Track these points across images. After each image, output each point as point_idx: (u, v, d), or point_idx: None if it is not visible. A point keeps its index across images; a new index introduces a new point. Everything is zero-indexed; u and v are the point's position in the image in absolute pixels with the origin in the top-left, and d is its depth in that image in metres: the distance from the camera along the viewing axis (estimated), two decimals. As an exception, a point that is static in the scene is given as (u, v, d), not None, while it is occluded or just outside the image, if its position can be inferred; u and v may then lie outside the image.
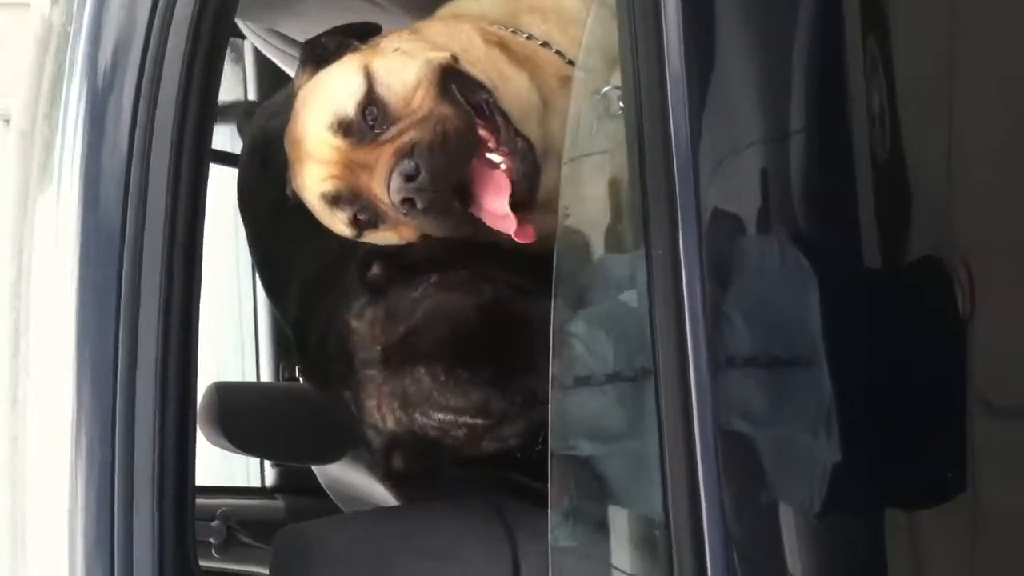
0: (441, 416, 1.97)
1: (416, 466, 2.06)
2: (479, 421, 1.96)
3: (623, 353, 1.47)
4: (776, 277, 1.40)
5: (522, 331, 1.91)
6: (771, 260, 1.39)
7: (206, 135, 1.71)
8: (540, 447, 2.16)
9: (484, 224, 1.82)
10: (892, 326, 1.41)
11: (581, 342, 1.49)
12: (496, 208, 1.78)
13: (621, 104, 1.50)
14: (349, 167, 1.84)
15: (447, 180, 1.77)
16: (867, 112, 1.40)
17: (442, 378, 1.94)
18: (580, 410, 1.53)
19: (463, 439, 2.00)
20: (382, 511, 2.24)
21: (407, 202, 1.76)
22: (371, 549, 1.82)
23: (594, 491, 1.52)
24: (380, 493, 2.54)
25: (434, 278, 1.98)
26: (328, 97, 1.88)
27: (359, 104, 1.84)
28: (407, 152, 1.76)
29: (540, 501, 2.08)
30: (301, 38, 3.07)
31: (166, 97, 1.67)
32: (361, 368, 2.00)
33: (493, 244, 1.98)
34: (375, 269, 2.01)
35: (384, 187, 1.78)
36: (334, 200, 1.88)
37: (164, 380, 1.62)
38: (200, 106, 1.69)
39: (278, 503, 3.19)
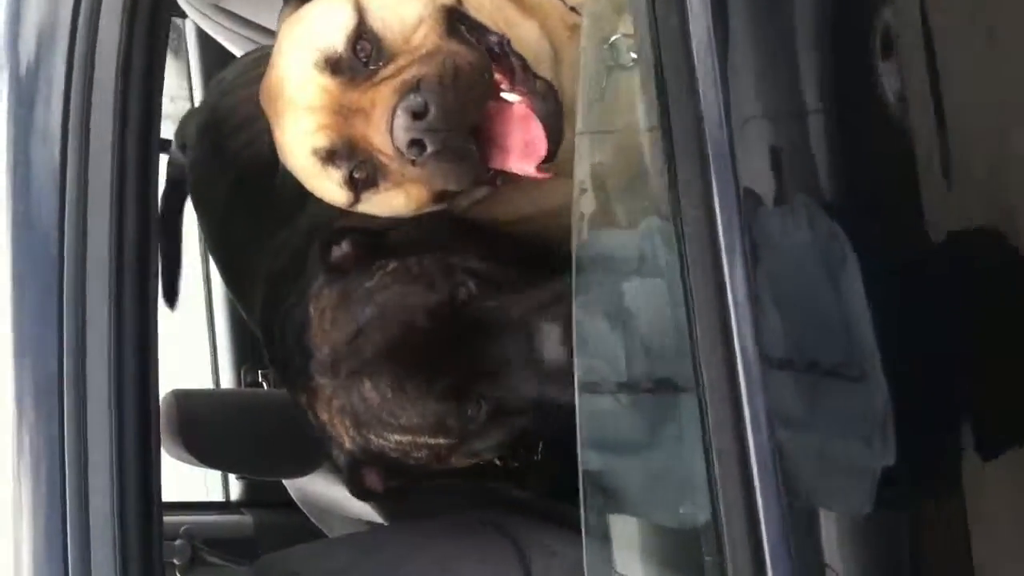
0: (397, 437, 1.75)
1: (393, 485, 1.85)
2: (441, 441, 1.74)
3: (655, 348, 1.27)
4: (829, 253, 1.21)
5: (481, 335, 1.68)
6: (822, 233, 1.20)
7: (153, 120, 1.51)
8: (539, 457, 1.97)
9: (504, 175, 1.58)
10: (962, 311, 1.24)
11: (603, 338, 1.28)
12: (522, 144, 1.54)
13: (633, 55, 1.30)
14: (341, 113, 1.58)
15: (461, 119, 1.52)
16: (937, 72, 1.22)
17: (389, 395, 1.70)
18: (610, 418, 1.32)
19: (426, 460, 1.78)
20: (373, 535, 2.04)
21: (415, 145, 1.50)
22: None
23: (631, 509, 1.32)
24: (359, 507, 2.34)
25: (392, 265, 1.75)
26: (312, 32, 1.61)
27: (349, 38, 1.58)
28: (412, 87, 1.51)
29: (541, 514, 1.90)
30: (250, 16, 2.87)
31: (103, 81, 1.49)
32: (314, 372, 1.78)
33: (476, 227, 1.78)
34: (344, 247, 1.78)
35: (385, 130, 1.52)
36: (328, 156, 1.61)
37: (120, 391, 1.44)
38: (144, 89, 1.50)
39: (246, 519, 2.97)
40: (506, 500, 1.97)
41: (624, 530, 1.32)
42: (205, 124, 2.38)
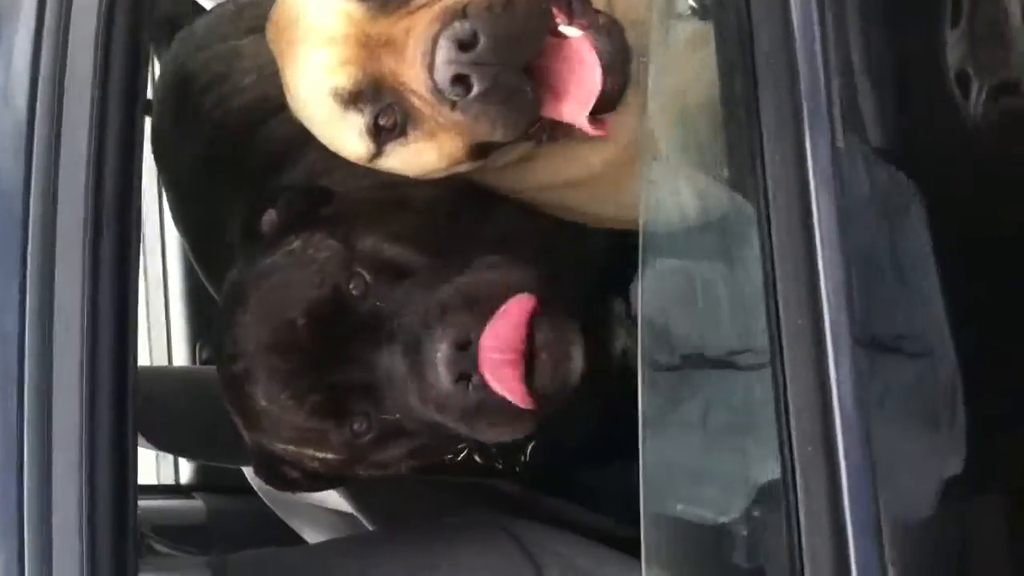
0: (281, 446, 1.55)
1: (318, 480, 1.66)
2: (329, 456, 1.54)
3: (732, 325, 1.12)
4: (933, 231, 1.07)
5: (366, 341, 1.46)
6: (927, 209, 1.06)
7: (140, 68, 1.31)
8: (526, 459, 1.80)
9: (551, 129, 1.38)
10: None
11: (674, 316, 1.12)
12: (581, 86, 1.31)
13: (691, 3, 1.16)
14: (368, 46, 1.34)
15: (514, 53, 1.29)
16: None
17: (263, 403, 1.50)
18: (677, 405, 1.16)
19: (323, 469, 1.58)
20: (365, 541, 1.87)
21: (458, 83, 1.28)
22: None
23: (694, 505, 1.17)
24: (331, 498, 2.17)
25: (295, 242, 1.53)
26: None
27: None
28: (458, 13, 1.27)
29: (542, 516, 1.76)
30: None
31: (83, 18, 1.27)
32: (219, 360, 1.60)
33: (394, 193, 1.56)
34: (272, 214, 1.58)
35: (422, 65, 1.29)
36: (351, 98, 1.38)
37: (93, 372, 1.24)
38: (130, 30, 1.28)
39: (197, 503, 2.78)
40: (500, 498, 1.82)
41: (686, 532, 1.17)
42: (171, 82, 2.18)
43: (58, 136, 1.26)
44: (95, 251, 1.24)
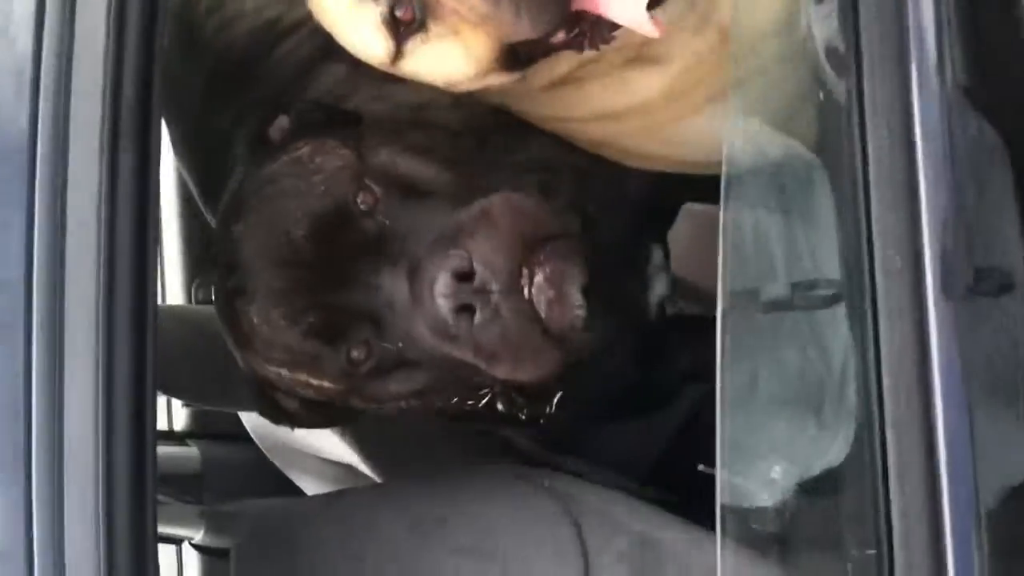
0: (274, 369, 1.47)
1: (318, 414, 1.58)
2: (325, 383, 1.46)
3: (815, 276, 1.04)
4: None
5: (368, 262, 1.38)
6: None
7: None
8: (552, 410, 1.72)
9: (591, 35, 1.24)
10: None
11: (757, 260, 1.04)
12: None
13: None
14: None
15: None
16: None
17: (255, 320, 1.43)
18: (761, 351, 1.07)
19: (319, 397, 1.50)
20: (376, 489, 1.78)
21: None
22: (381, 545, 1.37)
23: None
24: (329, 444, 2.09)
25: (303, 148, 1.44)
26: None
27: None
28: None
29: (576, 475, 1.67)
30: None
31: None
32: (213, 273, 1.53)
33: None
34: (284, 121, 1.50)
35: None
36: None
37: (110, 313, 1.15)
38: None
39: (192, 451, 2.69)
40: (517, 452, 1.74)
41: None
42: (178, 5, 2.07)
43: (70, 53, 1.16)
44: (112, 170, 1.15)
